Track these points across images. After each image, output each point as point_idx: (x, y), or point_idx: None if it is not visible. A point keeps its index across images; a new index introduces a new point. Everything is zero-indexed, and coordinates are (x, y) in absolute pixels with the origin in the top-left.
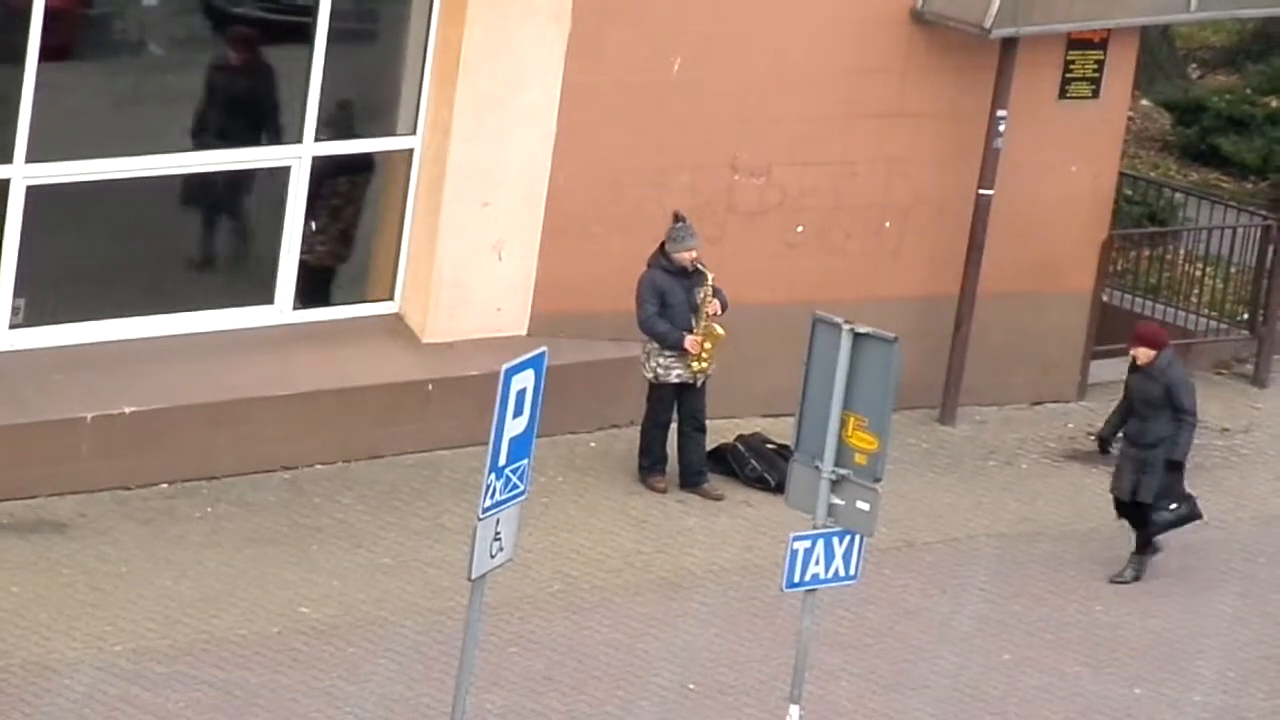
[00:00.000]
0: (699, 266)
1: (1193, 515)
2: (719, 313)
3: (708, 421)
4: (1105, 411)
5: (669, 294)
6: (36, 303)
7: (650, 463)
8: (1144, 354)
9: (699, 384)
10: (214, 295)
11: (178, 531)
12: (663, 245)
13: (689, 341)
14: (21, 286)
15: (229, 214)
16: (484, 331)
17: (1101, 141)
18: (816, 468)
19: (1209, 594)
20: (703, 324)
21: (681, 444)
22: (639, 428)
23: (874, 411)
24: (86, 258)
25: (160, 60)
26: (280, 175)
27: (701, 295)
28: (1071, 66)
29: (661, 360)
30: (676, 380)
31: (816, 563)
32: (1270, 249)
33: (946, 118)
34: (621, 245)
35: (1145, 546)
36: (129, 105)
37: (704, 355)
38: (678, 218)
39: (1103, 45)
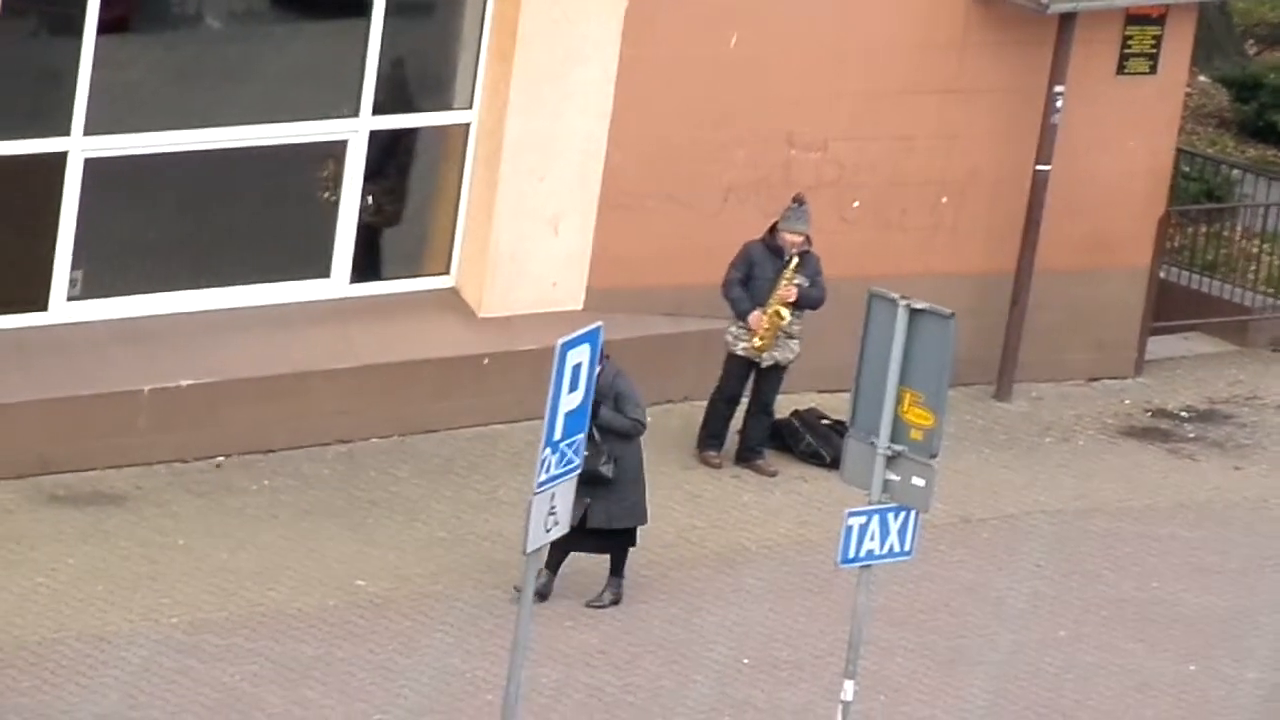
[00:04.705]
0: (797, 253)
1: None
2: (792, 300)
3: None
4: (1162, 389)
5: (758, 267)
6: (94, 275)
7: (709, 435)
8: None
9: (764, 365)
10: (271, 269)
11: (234, 504)
12: (776, 222)
13: (752, 316)
14: (79, 259)
15: (286, 188)
16: (539, 306)
17: (1159, 117)
18: (872, 443)
19: (1265, 571)
20: (771, 305)
21: (745, 420)
22: (692, 403)
23: (930, 387)
24: (144, 231)
25: (217, 33)
26: (337, 149)
27: (784, 278)
28: (1129, 42)
29: (734, 329)
30: (741, 353)
31: (871, 538)
32: None
33: (1004, 93)
34: (677, 220)
35: (621, 566)
36: (186, 78)
37: (762, 334)
38: (797, 199)
39: (1160, 21)
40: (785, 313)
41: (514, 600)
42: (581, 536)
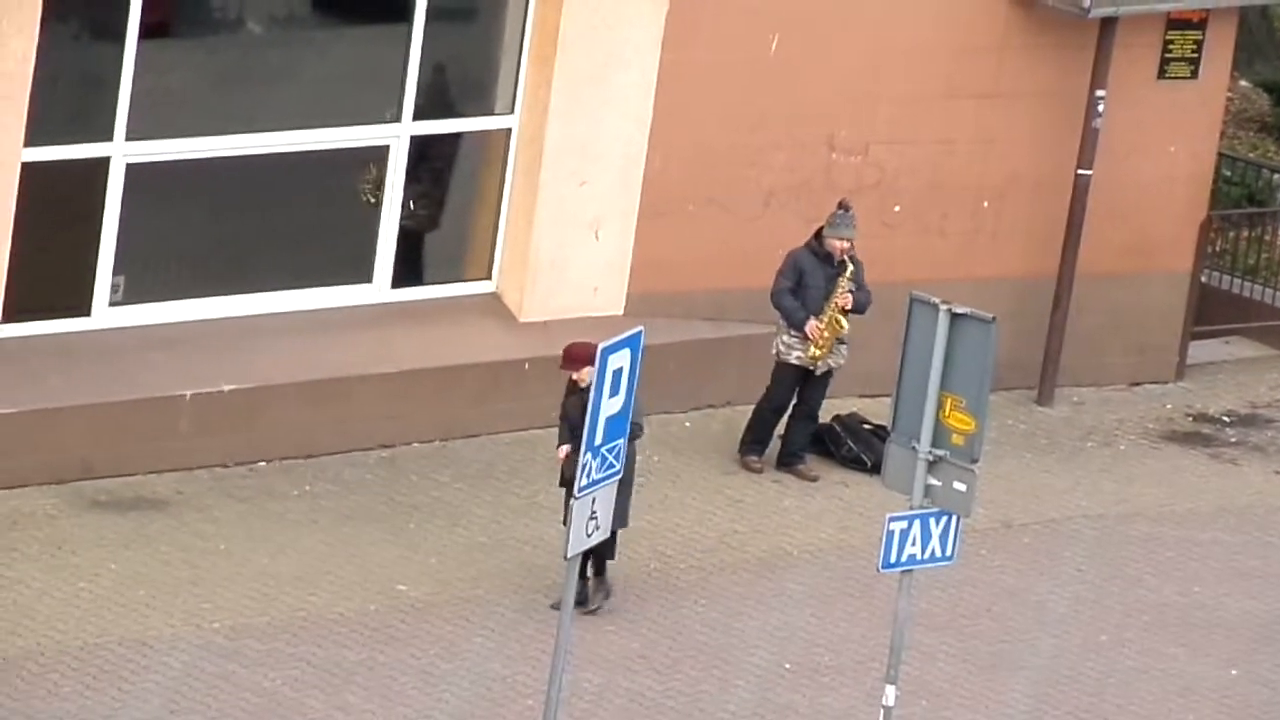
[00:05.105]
0: (846, 259)
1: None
2: (849, 306)
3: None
4: (1204, 393)
5: (808, 275)
6: (136, 281)
7: (753, 440)
8: (588, 373)
9: (818, 372)
10: (313, 274)
11: (276, 509)
12: (821, 229)
13: (810, 326)
14: (121, 264)
15: (328, 193)
16: (580, 311)
17: (1200, 122)
18: (913, 448)
19: None
20: (829, 312)
21: (788, 425)
22: (734, 407)
23: (971, 392)
24: (185, 236)
25: (259, 38)
26: (379, 154)
27: (839, 285)
28: (1170, 46)
29: (785, 339)
30: (795, 362)
31: (913, 543)
32: None
33: (1045, 97)
34: (718, 225)
35: (603, 568)
36: (228, 84)
37: (822, 343)
38: (842, 205)
39: (1201, 25)
40: (843, 320)
41: (554, 608)
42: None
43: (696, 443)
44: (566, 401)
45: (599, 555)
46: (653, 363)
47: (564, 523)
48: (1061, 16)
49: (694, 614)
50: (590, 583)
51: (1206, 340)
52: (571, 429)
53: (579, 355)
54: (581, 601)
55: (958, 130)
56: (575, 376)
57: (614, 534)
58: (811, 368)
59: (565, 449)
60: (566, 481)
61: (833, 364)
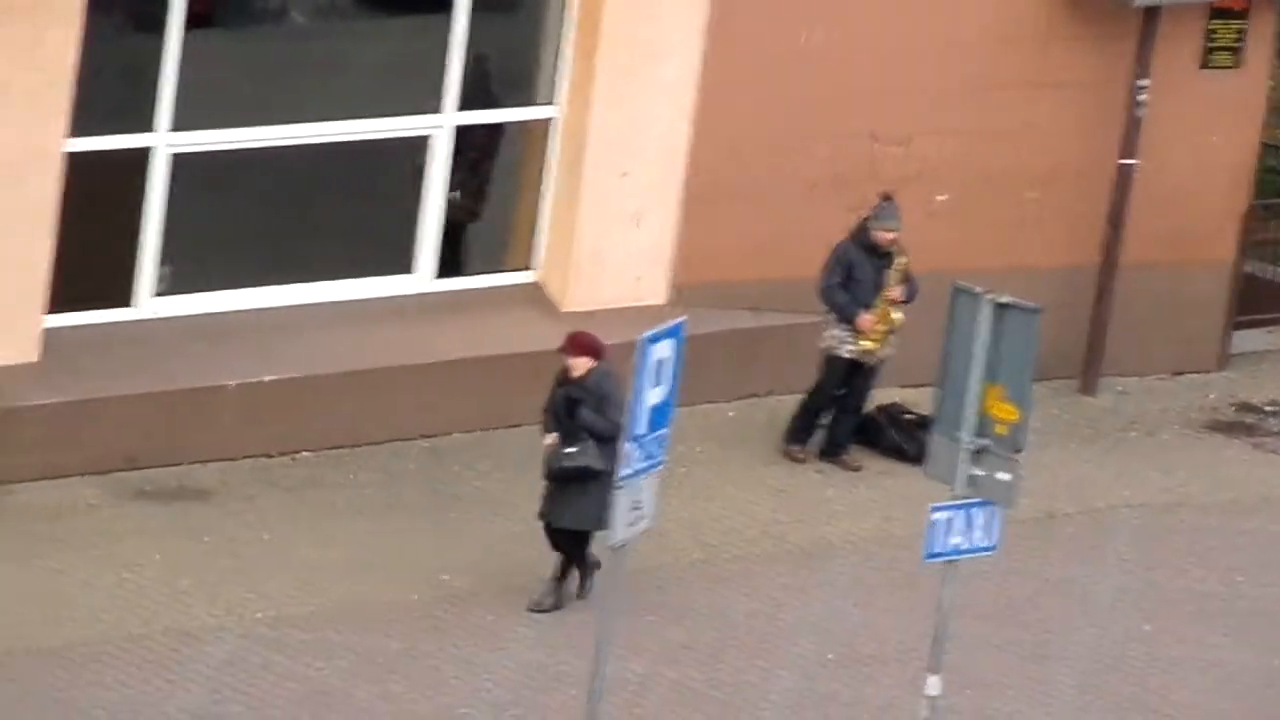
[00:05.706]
0: (893, 250)
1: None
2: (901, 298)
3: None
4: (1247, 383)
5: (856, 268)
6: (180, 271)
7: (798, 430)
8: (583, 364)
9: (869, 365)
10: (356, 264)
11: (319, 499)
12: (865, 220)
13: (862, 319)
14: (165, 255)
15: (371, 183)
16: (623, 301)
17: (1243, 111)
18: (957, 438)
19: None
20: (882, 305)
21: (835, 416)
22: (776, 397)
23: (1015, 382)
24: (229, 226)
25: (302, 29)
26: (421, 145)
27: (888, 276)
28: (1213, 36)
29: (836, 333)
30: (847, 355)
31: (957, 533)
32: None
33: (1088, 87)
34: (760, 215)
35: (570, 569)
36: (272, 74)
37: (875, 336)
38: (886, 196)
39: (1244, 14)
40: (897, 313)
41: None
42: (553, 536)
43: (740, 432)
44: (553, 394)
45: (571, 556)
46: (695, 352)
47: (539, 515)
48: (1104, 6)
49: (737, 604)
50: (549, 582)
51: (1249, 330)
52: (557, 420)
53: (581, 343)
54: (548, 609)
55: (1000, 120)
56: (570, 362)
57: (588, 535)
58: (862, 361)
59: (553, 436)
60: (552, 474)
61: (883, 355)
